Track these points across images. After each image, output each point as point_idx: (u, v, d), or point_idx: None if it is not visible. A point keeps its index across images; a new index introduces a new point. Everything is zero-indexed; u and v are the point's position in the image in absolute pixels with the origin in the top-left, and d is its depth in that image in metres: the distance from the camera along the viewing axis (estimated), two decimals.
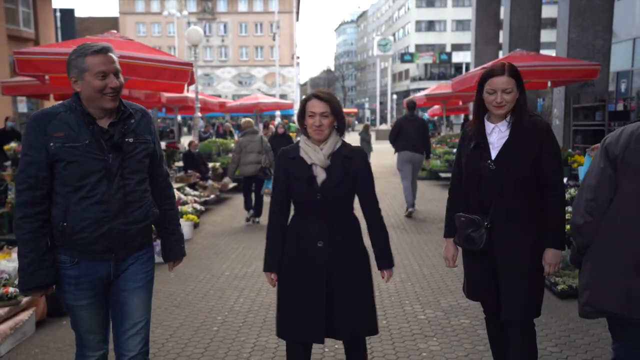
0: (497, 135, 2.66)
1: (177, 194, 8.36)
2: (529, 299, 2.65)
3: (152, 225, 2.55)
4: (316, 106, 2.58)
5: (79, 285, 2.38)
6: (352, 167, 2.63)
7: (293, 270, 2.65)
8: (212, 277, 5.61)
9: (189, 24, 53.07)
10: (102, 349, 2.53)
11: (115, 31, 7.94)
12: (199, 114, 15.91)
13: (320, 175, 2.60)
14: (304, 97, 2.79)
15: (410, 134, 8.83)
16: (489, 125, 2.70)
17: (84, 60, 2.28)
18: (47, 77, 7.50)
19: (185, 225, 7.50)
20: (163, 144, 13.64)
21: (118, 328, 2.49)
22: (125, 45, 7.20)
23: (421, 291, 5.05)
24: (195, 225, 7.96)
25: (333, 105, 2.60)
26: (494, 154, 2.63)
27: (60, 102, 2.41)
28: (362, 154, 2.72)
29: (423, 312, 4.49)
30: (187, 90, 11.25)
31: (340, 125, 2.67)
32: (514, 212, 2.62)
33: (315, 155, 2.60)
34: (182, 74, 7.22)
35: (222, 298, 4.92)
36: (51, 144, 2.26)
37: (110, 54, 2.32)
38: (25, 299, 4.08)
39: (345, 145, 2.70)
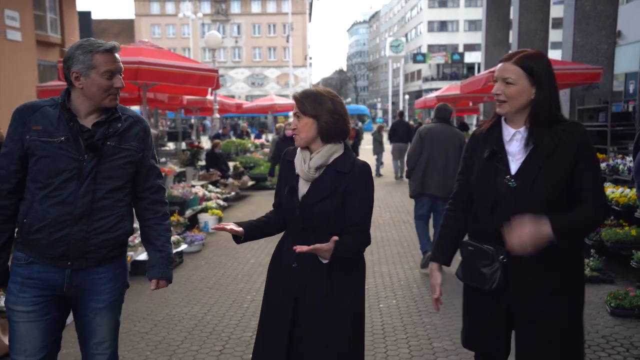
0: (518, 143, 2.09)
1: (201, 190, 8.98)
2: None
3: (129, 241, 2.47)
4: (294, 107, 2.28)
5: (24, 286, 2.21)
6: (346, 184, 2.20)
7: (268, 291, 2.39)
8: (238, 264, 6.21)
9: (203, 25, 53.99)
10: None
11: (146, 39, 8.58)
12: (217, 115, 16.58)
13: (302, 189, 2.26)
14: None
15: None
16: (508, 130, 2.13)
17: (92, 57, 2.18)
18: None
19: (211, 220, 8.14)
20: (183, 145, 14.31)
21: (84, 344, 2.35)
22: (156, 53, 7.83)
23: (427, 277, 5.61)
24: (220, 220, 8.57)
25: (304, 104, 2.22)
26: (513, 168, 2.07)
27: (52, 96, 2.30)
28: (363, 168, 2.24)
29: (429, 294, 5.06)
30: (211, 94, 11.85)
31: (325, 128, 2.21)
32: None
33: (300, 165, 2.26)
34: (209, 79, 7.82)
35: (249, 281, 5.51)
36: (27, 137, 2.16)
37: (116, 54, 2.24)
38: None
39: (346, 157, 2.25)
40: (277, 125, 15.10)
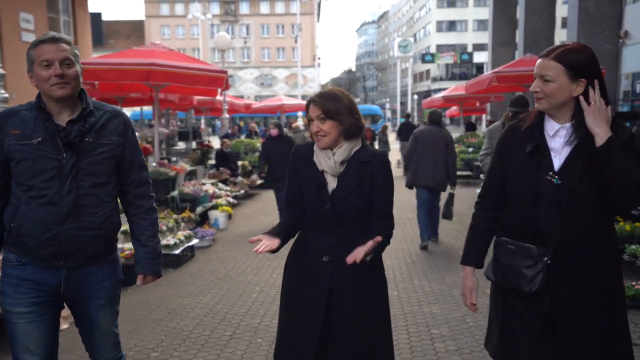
0: (562, 140, 2.01)
1: (211, 188, 9.25)
2: None
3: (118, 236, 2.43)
4: (312, 110, 2.32)
5: (20, 287, 2.22)
6: (370, 173, 2.32)
7: (294, 286, 2.40)
8: (247, 258, 6.45)
9: (212, 26, 54.34)
10: None
11: (157, 42, 8.84)
12: (227, 115, 16.85)
13: (331, 184, 2.32)
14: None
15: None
16: (551, 125, 2.04)
17: (33, 51, 2.17)
18: (96, 83, 8.45)
19: (220, 216, 8.40)
20: (194, 144, 14.60)
21: (88, 338, 2.40)
22: (168, 55, 8.09)
23: (429, 270, 5.84)
24: (229, 217, 8.82)
25: (327, 107, 2.28)
26: (557, 164, 1.99)
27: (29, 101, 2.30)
28: (383, 157, 2.40)
29: (429, 286, 5.28)
30: (220, 94, 12.12)
31: (349, 128, 2.32)
32: (585, 244, 1.96)
33: (326, 161, 2.32)
34: (218, 80, 8.08)
35: (257, 274, 5.75)
36: (6, 142, 2.17)
37: (62, 43, 2.16)
38: None
39: (364, 148, 2.38)
40: (294, 125, 15.35)
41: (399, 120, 27.12)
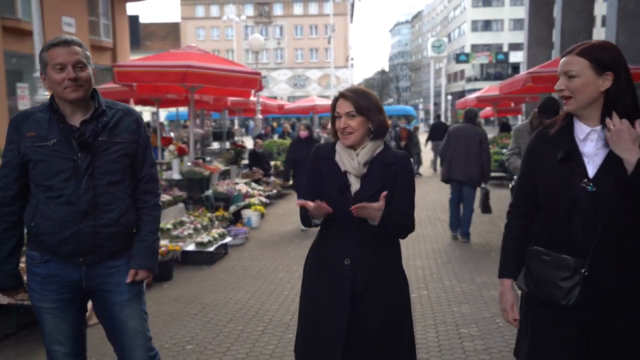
0: (594, 144, 1.90)
1: (244, 188, 9.42)
2: None
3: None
4: (341, 106, 2.28)
5: (45, 285, 2.29)
6: (393, 175, 2.29)
7: (315, 290, 2.36)
8: (279, 256, 6.58)
9: (246, 27, 54.96)
10: None
11: (193, 44, 9.04)
12: (260, 116, 17.07)
13: (355, 185, 2.29)
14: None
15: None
16: (581, 128, 1.94)
17: (45, 54, 2.21)
18: (134, 85, 8.71)
19: (253, 215, 8.55)
20: (227, 144, 14.85)
21: (117, 343, 2.41)
22: (203, 57, 8.28)
23: (459, 270, 5.84)
24: (262, 216, 8.97)
25: (360, 103, 2.25)
26: (591, 171, 1.88)
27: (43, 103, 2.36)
28: (405, 159, 2.36)
29: (459, 286, 5.29)
30: (254, 95, 12.31)
31: (378, 127, 2.30)
32: (624, 255, 1.85)
33: (349, 162, 2.28)
34: (252, 82, 8.23)
35: (289, 272, 5.86)
36: (23, 144, 2.22)
37: (74, 46, 2.20)
38: None
39: (387, 150, 2.35)
40: (329, 126, 15.43)
41: (432, 121, 27.07)
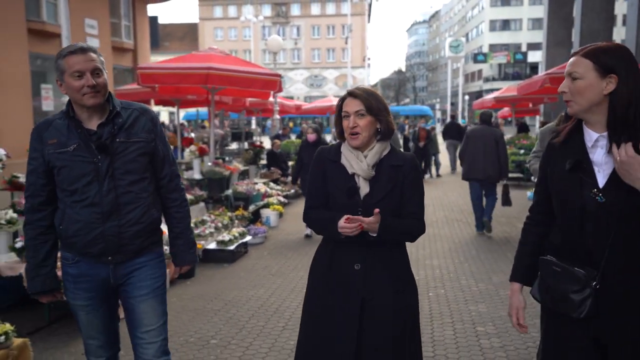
0: (603, 150, 1.83)
1: (263, 187, 9.56)
2: None
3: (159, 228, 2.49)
4: (349, 105, 2.24)
5: (77, 284, 2.39)
6: (402, 177, 2.26)
7: (323, 296, 2.30)
8: (298, 255, 6.71)
9: (263, 28, 55.28)
10: (101, 356, 2.51)
11: (216, 47, 9.21)
12: (277, 116, 17.24)
13: (364, 188, 2.24)
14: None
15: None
16: (589, 135, 1.87)
17: (62, 62, 2.25)
18: (156, 86, 8.90)
19: (272, 215, 8.69)
20: (246, 145, 15.02)
21: (132, 334, 2.48)
22: (224, 59, 8.43)
23: (476, 270, 5.91)
24: (280, 215, 9.11)
25: (369, 102, 2.22)
26: (601, 180, 1.81)
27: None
28: (413, 161, 2.32)
29: (476, 285, 5.37)
30: (272, 96, 12.46)
31: (386, 128, 2.27)
32: (637, 263, 1.79)
33: (357, 164, 2.24)
34: (272, 83, 8.34)
35: (308, 271, 5.97)
36: (46, 151, 2.29)
37: (90, 53, 2.26)
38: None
39: (394, 152, 2.31)
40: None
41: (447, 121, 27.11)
